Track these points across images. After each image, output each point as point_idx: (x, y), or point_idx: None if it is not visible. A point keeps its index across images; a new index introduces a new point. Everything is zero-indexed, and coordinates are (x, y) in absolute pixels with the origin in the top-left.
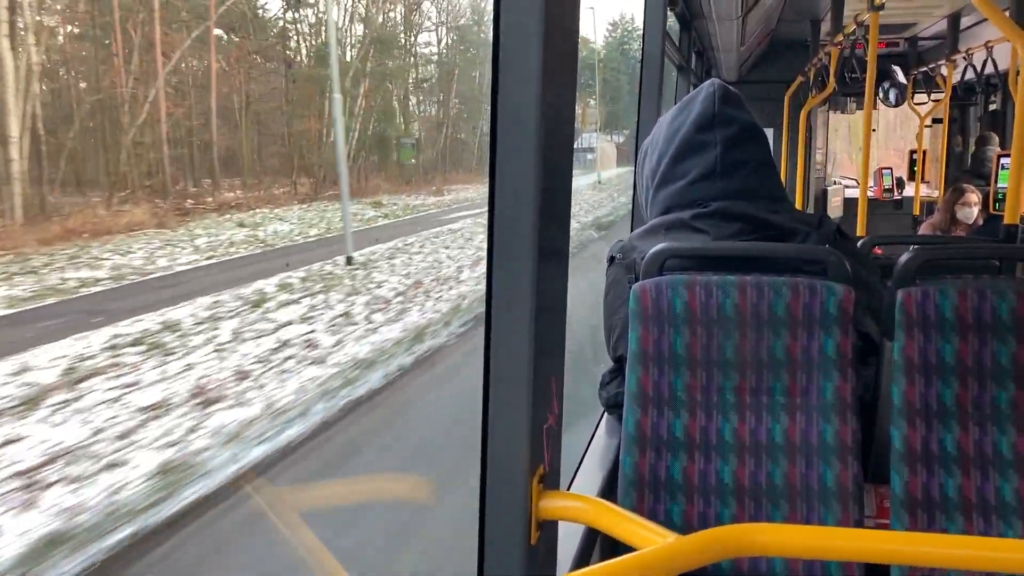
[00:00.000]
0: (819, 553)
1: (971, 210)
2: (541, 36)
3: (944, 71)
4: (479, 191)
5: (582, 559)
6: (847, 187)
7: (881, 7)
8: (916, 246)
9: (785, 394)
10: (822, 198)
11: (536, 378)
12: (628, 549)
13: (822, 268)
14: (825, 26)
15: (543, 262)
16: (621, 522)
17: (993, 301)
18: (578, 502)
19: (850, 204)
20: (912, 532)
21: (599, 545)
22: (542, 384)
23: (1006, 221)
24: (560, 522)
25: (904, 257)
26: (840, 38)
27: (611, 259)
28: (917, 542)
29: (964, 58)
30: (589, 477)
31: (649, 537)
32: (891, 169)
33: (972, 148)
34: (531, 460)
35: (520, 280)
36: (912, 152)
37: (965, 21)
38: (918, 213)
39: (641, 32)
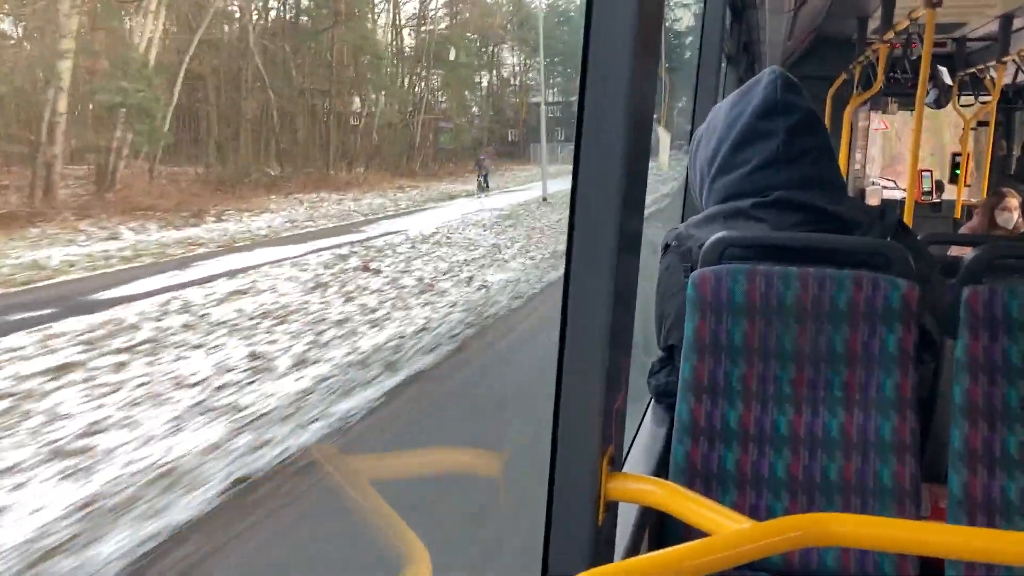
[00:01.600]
0: (897, 546)
1: (1011, 215)
2: (634, 26)
3: (993, 73)
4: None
5: (634, 544)
6: (885, 187)
7: (939, 3)
8: (983, 245)
9: (843, 388)
10: (860, 198)
11: (611, 360)
12: (677, 537)
13: (885, 262)
14: (873, 23)
15: (623, 252)
16: (694, 506)
17: None
18: (649, 485)
19: (887, 206)
20: (988, 529)
21: (648, 531)
22: (615, 368)
23: None
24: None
25: (971, 254)
26: (891, 35)
27: (666, 246)
28: (994, 539)
29: (1015, 60)
30: (638, 464)
31: (722, 523)
32: (931, 172)
33: (1017, 152)
34: (602, 441)
35: (601, 267)
36: (955, 155)
37: (1018, 23)
38: (959, 216)
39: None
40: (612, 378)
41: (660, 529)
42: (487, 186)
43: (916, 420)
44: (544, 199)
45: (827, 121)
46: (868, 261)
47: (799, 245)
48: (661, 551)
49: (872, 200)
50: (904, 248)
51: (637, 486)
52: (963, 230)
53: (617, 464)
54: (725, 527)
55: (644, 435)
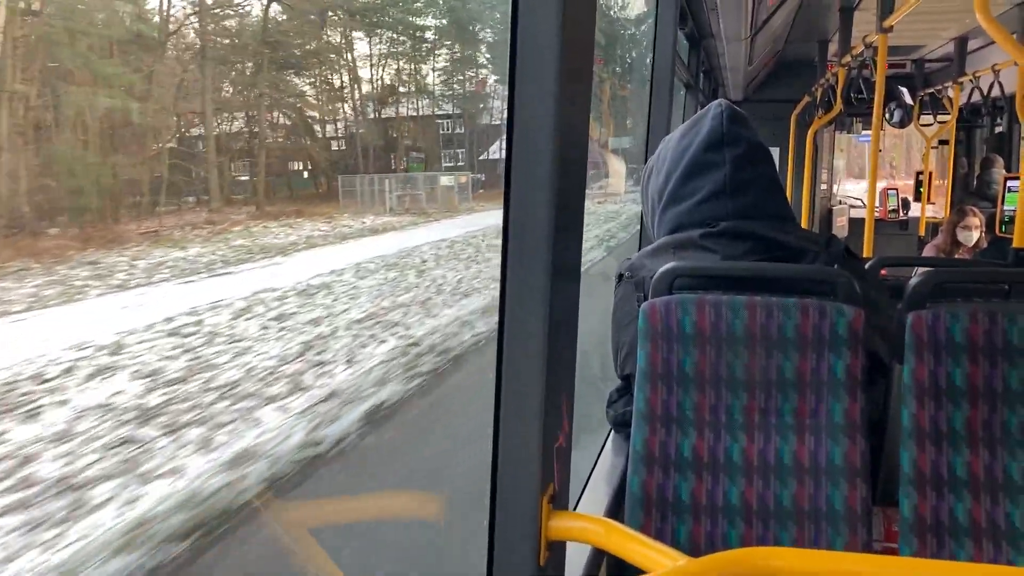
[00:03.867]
0: None
1: (971, 233)
2: (558, 54)
3: (951, 93)
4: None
5: None
6: (852, 207)
7: (890, 29)
8: (926, 269)
9: (794, 414)
10: (827, 218)
11: (548, 395)
12: (635, 570)
13: (831, 288)
14: (833, 47)
15: (557, 278)
16: (632, 544)
17: (1004, 325)
18: (588, 523)
19: (855, 224)
20: (923, 559)
21: (605, 564)
22: (553, 402)
23: (1015, 244)
24: (571, 542)
25: (915, 280)
26: (848, 59)
27: (619, 277)
28: (930, 570)
29: (971, 81)
30: (596, 496)
31: (659, 560)
32: (896, 190)
33: (978, 170)
34: (542, 479)
35: (534, 295)
36: (918, 173)
37: (972, 44)
38: (924, 234)
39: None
40: (551, 416)
41: (620, 565)
42: None
43: (866, 444)
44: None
45: (791, 143)
46: (815, 289)
47: (747, 274)
48: None
49: (839, 219)
50: (849, 275)
51: (577, 524)
52: (927, 248)
53: (560, 502)
54: (661, 564)
55: (603, 465)
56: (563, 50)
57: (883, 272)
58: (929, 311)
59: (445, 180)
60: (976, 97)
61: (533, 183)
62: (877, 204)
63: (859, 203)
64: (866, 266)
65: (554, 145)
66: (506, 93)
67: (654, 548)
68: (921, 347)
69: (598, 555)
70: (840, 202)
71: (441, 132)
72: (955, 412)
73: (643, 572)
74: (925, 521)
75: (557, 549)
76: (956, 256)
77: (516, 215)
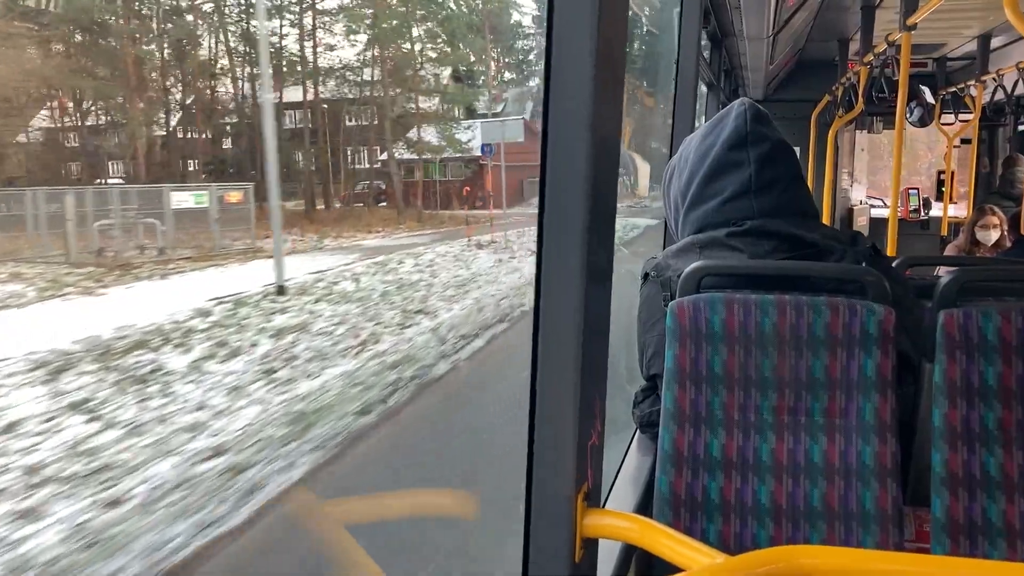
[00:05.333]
0: None
1: (989, 232)
2: (593, 64)
3: (973, 92)
4: None
5: None
6: (872, 207)
7: (913, 27)
8: (956, 268)
9: (824, 414)
10: (848, 218)
11: (582, 395)
12: (664, 569)
13: (859, 287)
14: (853, 46)
15: (591, 283)
16: (669, 541)
17: None
18: (624, 521)
19: (876, 224)
20: (965, 558)
21: (635, 564)
22: (587, 401)
23: None
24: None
25: (945, 279)
26: (870, 58)
27: (645, 276)
28: (972, 569)
29: (994, 79)
30: (623, 496)
31: (696, 558)
32: (917, 189)
33: (1000, 169)
34: (576, 477)
35: (569, 301)
36: (940, 172)
37: (995, 42)
38: (946, 234)
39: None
40: (585, 415)
41: (649, 562)
42: None
43: (897, 444)
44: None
45: (812, 143)
46: (843, 287)
47: (775, 273)
48: None
49: (860, 220)
50: (879, 274)
51: (613, 522)
52: (949, 248)
53: (595, 499)
54: (698, 562)
55: (630, 466)
56: (598, 54)
57: (907, 272)
58: (961, 310)
59: (183, 199)
60: (999, 95)
61: (568, 186)
62: (899, 204)
63: (879, 203)
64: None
65: (589, 149)
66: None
67: (691, 546)
68: (953, 346)
69: (627, 553)
70: (861, 202)
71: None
72: (988, 412)
73: (674, 572)
74: (958, 522)
75: (591, 547)
76: (978, 255)
77: (551, 218)
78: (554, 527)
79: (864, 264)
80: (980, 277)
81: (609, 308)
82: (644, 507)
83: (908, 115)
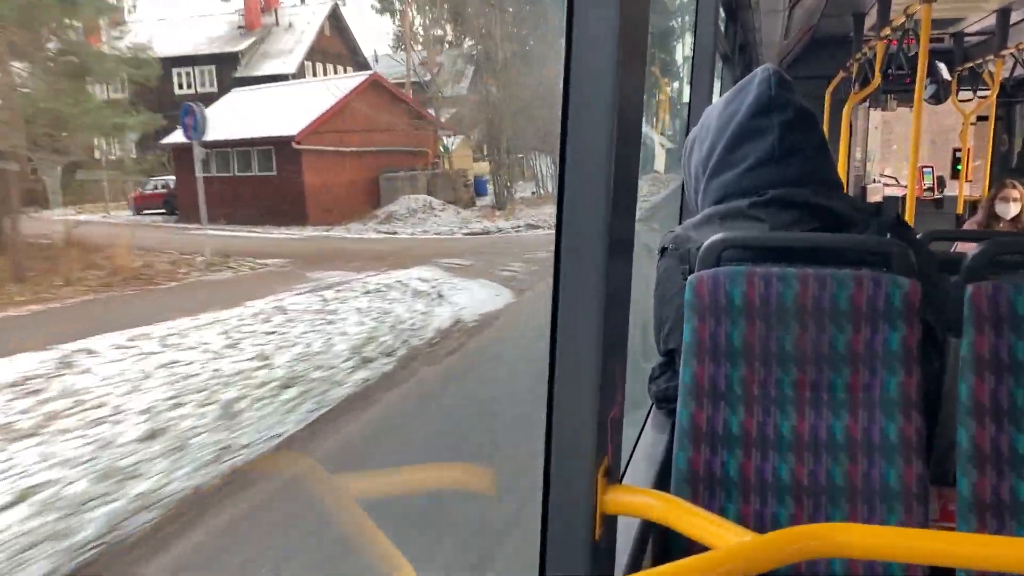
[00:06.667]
0: (902, 555)
1: (1008, 206)
2: (617, 28)
3: (991, 67)
4: None
5: (636, 556)
6: (886, 185)
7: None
8: (985, 241)
9: (846, 390)
10: (861, 196)
11: (604, 368)
12: (682, 548)
13: (884, 259)
14: (869, 20)
15: (612, 255)
16: (694, 519)
17: None
18: (646, 497)
19: (890, 204)
20: (1001, 536)
21: (652, 543)
22: (609, 373)
23: None
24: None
25: (974, 250)
26: (887, 31)
27: (663, 249)
28: (1003, 545)
29: (1013, 55)
30: (639, 472)
31: (724, 536)
32: (932, 168)
33: (1020, 146)
34: (596, 452)
35: (590, 271)
36: (956, 150)
37: (1015, 16)
38: (961, 212)
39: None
40: (606, 387)
41: (665, 540)
42: None
43: (922, 421)
44: None
45: (826, 119)
46: (867, 259)
47: (799, 245)
48: (660, 567)
49: (874, 198)
50: (904, 246)
51: (635, 499)
52: (968, 224)
53: (614, 476)
54: (726, 540)
55: (646, 442)
56: (622, 22)
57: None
58: (990, 283)
59: None
60: (1019, 72)
61: (591, 161)
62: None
63: (893, 181)
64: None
65: (611, 121)
66: None
67: (719, 523)
68: (982, 320)
69: (645, 532)
70: (875, 180)
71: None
72: (1016, 387)
73: (694, 548)
74: (984, 500)
75: (610, 524)
76: (994, 228)
77: (573, 187)
78: (573, 503)
79: (889, 236)
80: (1010, 249)
81: (630, 281)
82: (661, 484)
83: (925, 92)
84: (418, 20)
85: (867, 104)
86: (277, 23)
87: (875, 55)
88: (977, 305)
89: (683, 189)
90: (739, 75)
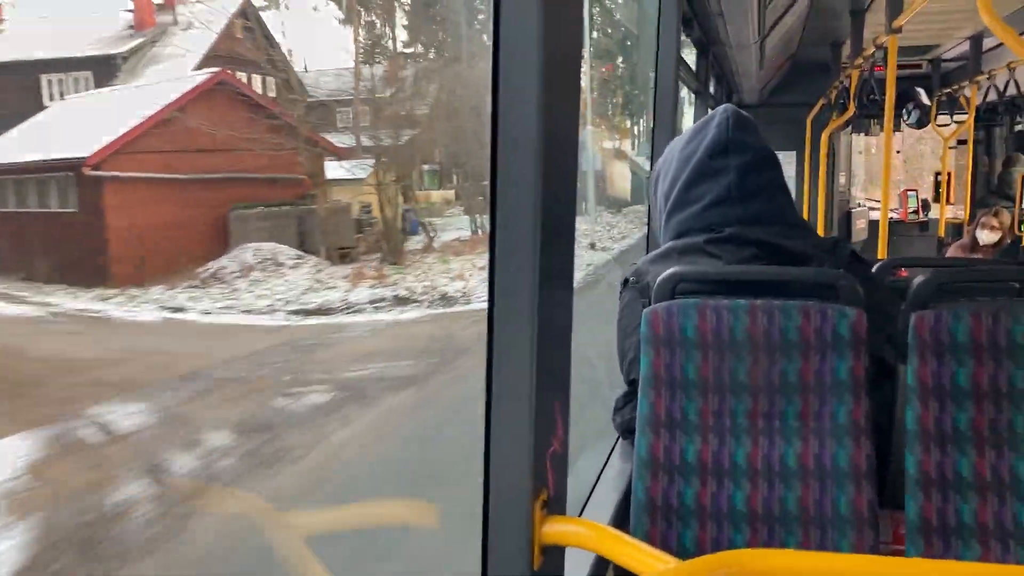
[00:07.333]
0: None
1: (984, 232)
2: (540, 57)
3: (968, 92)
4: None
5: None
6: (872, 209)
7: (899, 30)
8: (931, 269)
9: (798, 418)
10: (846, 221)
11: (539, 402)
12: None
13: (835, 292)
14: (846, 50)
15: (545, 286)
16: (622, 547)
17: (1007, 324)
18: (579, 527)
19: (875, 226)
20: (922, 559)
21: (612, 569)
22: (545, 408)
23: None
24: (575, 549)
25: (917, 280)
26: (860, 61)
27: (625, 282)
28: (928, 569)
29: (987, 79)
30: (602, 502)
31: (650, 563)
32: (916, 191)
33: (999, 169)
34: (534, 485)
35: (521, 303)
36: (937, 174)
37: (987, 43)
38: (943, 235)
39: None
40: (543, 420)
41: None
42: None
43: (871, 447)
44: None
45: (808, 145)
46: (819, 292)
47: (750, 279)
48: None
49: (859, 222)
50: (852, 277)
51: (570, 528)
52: (953, 248)
53: (558, 507)
54: (651, 567)
55: (610, 471)
56: (546, 54)
57: (903, 273)
58: (931, 311)
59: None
60: (993, 96)
61: (518, 188)
62: (897, 206)
63: (879, 205)
64: (874, 268)
65: (539, 148)
66: None
67: (644, 551)
68: (924, 347)
69: (603, 561)
70: (859, 204)
71: None
72: (959, 413)
73: None
74: (931, 523)
75: (554, 554)
76: (977, 254)
77: (502, 220)
78: (511, 533)
79: (842, 270)
80: (954, 278)
81: (570, 312)
82: (623, 513)
83: (906, 117)
84: (381, 30)
85: (849, 130)
86: (176, 22)
87: (851, 82)
88: (920, 333)
89: (649, 220)
90: (713, 106)
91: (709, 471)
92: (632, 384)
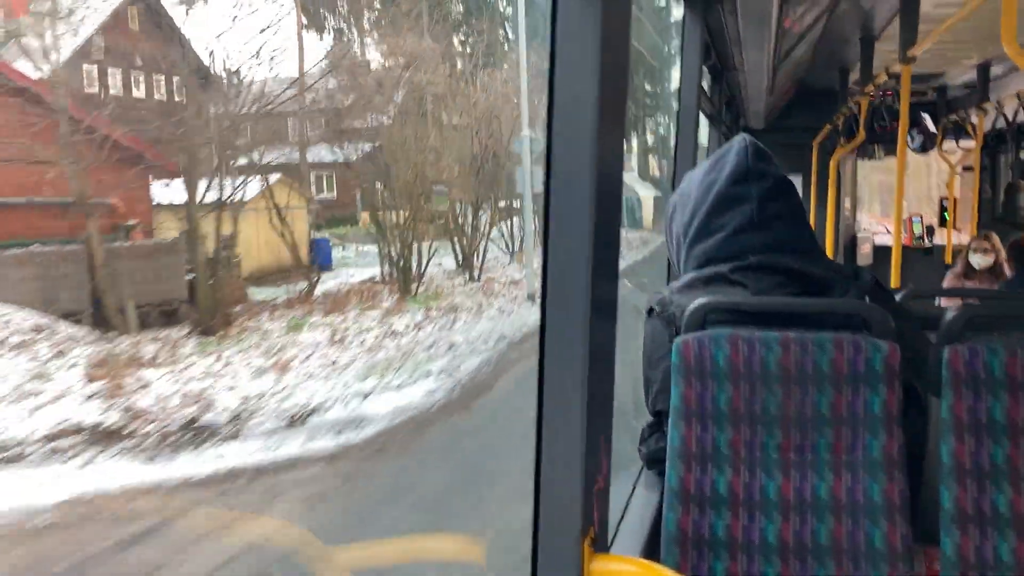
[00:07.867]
0: None
1: (977, 256)
2: (596, 104)
3: (974, 119)
4: None
5: None
6: (875, 234)
7: (913, 59)
8: (962, 301)
9: (830, 451)
10: (851, 246)
11: (588, 437)
12: None
13: (863, 321)
14: (854, 75)
15: (596, 316)
16: None
17: None
18: (629, 565)
19: (879, 252)
20: None
21: None
22: (593, 443)
23: None
24: None
25: (950, 313)
26: (870, 89)
27: (649, 311)
28: None
29: (995, 107)
30: (631, 534)
31: None
32: (921, 216)
33: (1003, 196)
34: (583, 522)
35: (575, 335)
36: (942, 199)
37: (995, 71)
38: (950, 261)
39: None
40: (591, 455)
41: None
42: None
43: (905, 481)
44: None
45: (814, 170)
46: (847, 322)
47: (780, 310)
48: None
49: (864, 247)
50: (883, 309)
51: (619, 567)
52: (948, 276)
53: (601, 544)
54: None
55: (637, 503)
56: (601, 93)
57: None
58: (966, 345)
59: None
60: (1000, 123)
61: (572, 223)
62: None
63: (882, 231)
64: (897, 298)
65: (592, 187)
66: None
67: None
68: (959, 382)
69: None
70: (865, 230)
71: None
72: (996, 448)
73: None
74: (968, 560)
75: None
76: (972, 279)
77: (556, 255)
78: (562, 573)
79: (867, 298)
80: (985, 312)
81: (614, 345)
82: (652, 545)
83: (910, 142)
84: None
85: (855, 155)
86: (56, 10)
87: (860, 110)
88: (954, 368)
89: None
90: (726, 130)
91: (741, 503)
92: (657, 415)
